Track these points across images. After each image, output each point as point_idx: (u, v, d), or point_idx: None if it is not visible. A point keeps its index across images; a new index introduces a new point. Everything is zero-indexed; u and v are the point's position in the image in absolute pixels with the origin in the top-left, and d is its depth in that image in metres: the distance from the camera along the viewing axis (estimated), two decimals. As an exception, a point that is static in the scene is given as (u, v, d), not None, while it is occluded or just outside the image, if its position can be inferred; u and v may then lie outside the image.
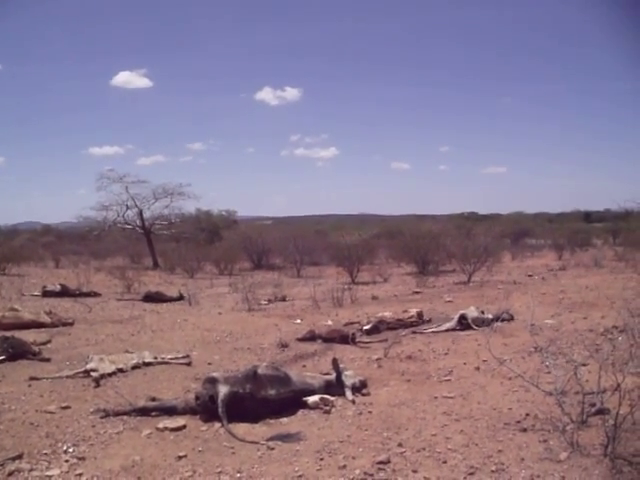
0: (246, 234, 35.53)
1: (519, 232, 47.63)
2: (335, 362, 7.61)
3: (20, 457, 5.61)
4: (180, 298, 18.21)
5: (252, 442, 5.91)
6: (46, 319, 13.16)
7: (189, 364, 9.36)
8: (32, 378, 8.43)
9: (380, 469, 5.16)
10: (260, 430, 6.30)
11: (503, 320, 11.93)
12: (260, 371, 6.84)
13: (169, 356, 9.62)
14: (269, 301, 17.12)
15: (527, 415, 6.40)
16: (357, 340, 10.85)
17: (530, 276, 22.78)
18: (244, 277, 22.96)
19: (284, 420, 6.63)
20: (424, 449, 5.60)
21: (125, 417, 6.71)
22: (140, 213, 36.82)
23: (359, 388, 7.57)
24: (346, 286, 18.15)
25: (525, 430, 5.96)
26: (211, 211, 49.53)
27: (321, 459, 5.45)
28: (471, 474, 5.00)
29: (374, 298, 17.34)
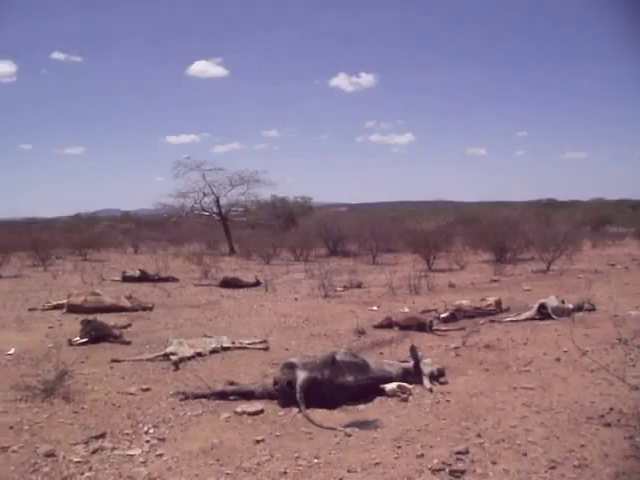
0: (322, 221, 35.51)
1: (600, 220, 46.37)
2: (413, 350, 7.54)
3: (103, 436, 5.77)
4: (256, 284, 18.36)
5: (329, 428, 5.89)
6: (126, 303, 13.48)
7: (266, 349, 9.43)
8: (114, 360, 8.67)
9: (458, 459, 5.08)
10: (337, 416, 6.28)
11: (585, 310, 11.63)
12: (338, 357, 6.82)
13: (247, 341, 9.71)
14: (345, 288, 17.05)
15: (611, 409, 6.19)
16: (434, 328, 10.73)
17: (612, 265, 22.13)
18: (320, 263, 22.94)
19: (361, 407, 6.59)
20: (503, 440, 5.49)
21: (204, 400, 6.80)
22: (217, 200, 37.27)
23: (437, 377, 7.46)
24: (422, 273, 17.95)
25: (609, 425, 5.77)
26: (287, 198, 49.65)
27: (398, 447, 5.40)
28: (552, 468, 4.87)
29: (451, 286, 17.13)
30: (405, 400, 6.75)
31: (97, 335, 9.88)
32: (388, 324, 11.07)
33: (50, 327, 11.54)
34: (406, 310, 12.58)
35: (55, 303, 13.96)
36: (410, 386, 7.06)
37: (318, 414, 6.26)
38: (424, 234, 25.79)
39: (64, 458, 5.27)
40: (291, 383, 6.49)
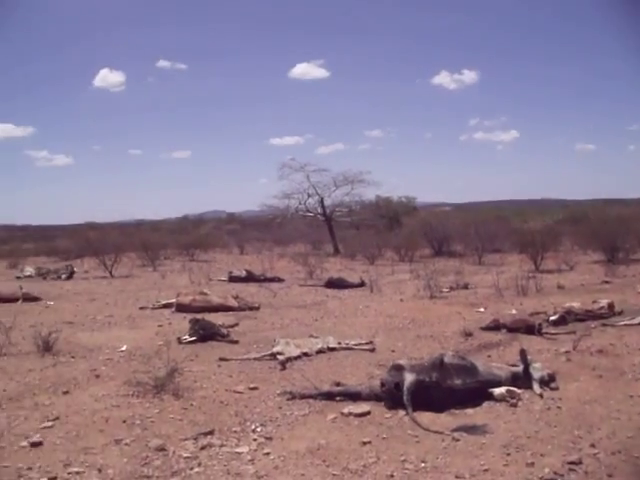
0: (426, 220, 35.08)
1: None
2: (523, 353, 7.29)
3: (211, 433, 5.84)
4: (361, 284, 18.24)
5: (437, 432, 5.77)
6: (233, 303, 13.68)
7: (372, 350, 9.34)
8: (221, 359, 8.78)
9: (571, 470, 4.86)
10: (445, 420, 6.14)
11: None
12: (447, 360, 6.68)
13: (352, 342, 9.65)
14: (451, 289, 16.74)
15: None
16: (543, 331, 10.36)
17: None
18: (425, 264, 22.64)
19: (469, 411, 6.41)
20: (619, 452, 5.20)
21: (310, 400, 6.78)
22: (321, 201, 37.48)
23: (547, 382, 7.19)
24: (530, 274, 17.43)
25: None
26: (391, 198, 49.22)
27: (508, 454, 5.22)
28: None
29: (560, 287, 16.54)
30: (514, 405, 6.53)
31: (205, 334, 10.05)
32: (495, 326, 10.79)
33: (160, 325, 11.86)
34: (514, 312, 12.22)
35: (164, 302, 14.34)
36: (519, 391, 6.84)
37: (425, 417, 6.14)
38: (531, 233, 25.11)
39: (174, 453, 5.36)
40: (398, 385, 6.39)
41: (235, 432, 5.89)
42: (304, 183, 37.00)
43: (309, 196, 37.35)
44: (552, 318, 11.21)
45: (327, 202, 37.69)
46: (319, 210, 37.90)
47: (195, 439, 5.67)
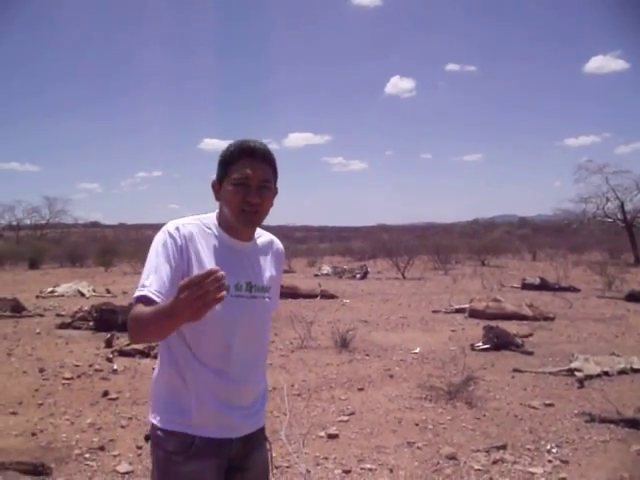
0: None
1: None
2: None
3: (504, 447, 5.64)
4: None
5: None
6: (527, 312, 13.29)
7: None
8: (515, 370, 8.55)
9: None
10: None
11: None
12: None
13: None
14: None
15: None
16: None
17: None
18: None
19: None
20: None
21: (611, 426, 6.28)
22: (621, 205, 35.23)
23: None
24: None
25: None
26: None
27: None
28: None
29: None
30: None
31: (499, 342, 9.87)
32: None
33: (452, 330, 11.88)
34: None
35: (457, 307, 14.42)
36: None
37: None
38: None
39: (465, 463, 5.27)
40: None
41: (529, 450, 5.65)
42: (602, 186, 35.21)
43: (608, 200, 35.42)
44: None
45: (628, 207, 35.41)
46: (619, 215, 35.67)
47: (487, 452, 5.53)
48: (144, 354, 9.21)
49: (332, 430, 6.00)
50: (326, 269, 27.84)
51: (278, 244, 2.48)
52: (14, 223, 62.85)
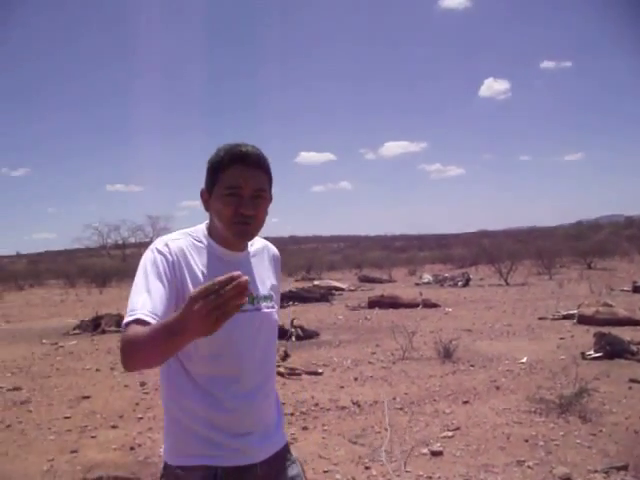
0: None
1: None
2: None
3: (625, 468, 5.15)
4: None
5: None
6: (641, 317, 12.66)
7: None
8: (632, 380, 7.99)
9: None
10: None
11: None
12: None
13: None
14: None
15: None
16: None
17: None
18: None
19: None
20: None
21: None
22: None
23: None
24: None
25: None
26: None
27: None
28: None
29: None
30: None
31: (612, 350, 9.32)
32: None
33: (561, 338, 11.35)
34: None
35: (564, 313, 13.91)
36: None
37: None
38: None
39: (581, 485, 4.88)
40: None
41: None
42: None
43: None
44: None
45: None
46: None
47: (606, 473, 5.07)
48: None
49: (436, 447, 5.70)
50: (427, 277, 27.60)
51: (273, 249, 2.32)
52: (120, 242, 67.07)
